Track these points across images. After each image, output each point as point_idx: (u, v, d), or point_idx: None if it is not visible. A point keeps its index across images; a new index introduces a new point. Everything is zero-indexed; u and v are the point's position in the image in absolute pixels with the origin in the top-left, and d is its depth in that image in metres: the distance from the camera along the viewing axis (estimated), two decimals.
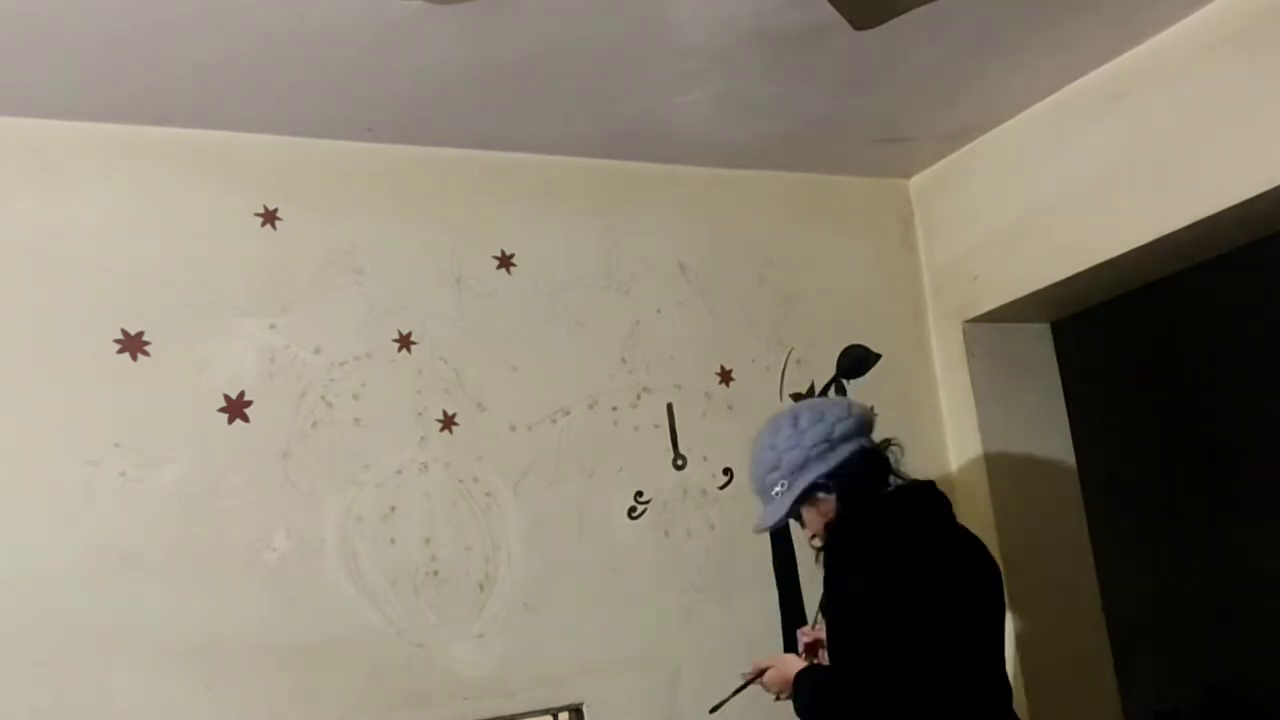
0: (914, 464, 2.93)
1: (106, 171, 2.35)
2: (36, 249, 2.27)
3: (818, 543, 2.27)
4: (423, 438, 2.50)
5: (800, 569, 2.73)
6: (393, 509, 2.44)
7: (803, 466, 2.21)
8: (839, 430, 2.22)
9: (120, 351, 2.29)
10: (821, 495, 2.22)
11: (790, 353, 2.90)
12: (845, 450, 2.21)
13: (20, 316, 2.24)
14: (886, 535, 2.14)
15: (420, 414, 2.50)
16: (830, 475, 2.20)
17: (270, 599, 2.31)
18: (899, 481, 2.25)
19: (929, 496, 2.25)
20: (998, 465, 2.96)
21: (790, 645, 2.54)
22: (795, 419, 2.25)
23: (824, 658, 2.28)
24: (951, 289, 3.05)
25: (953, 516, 2.25)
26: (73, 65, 2.14)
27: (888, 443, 2.27)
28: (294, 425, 2.39)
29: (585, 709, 2.53)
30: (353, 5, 2.05)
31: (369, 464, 2.44)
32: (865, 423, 2.27)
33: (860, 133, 2.85)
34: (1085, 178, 2.70)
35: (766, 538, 2.74)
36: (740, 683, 2.30)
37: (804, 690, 2.18)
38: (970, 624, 2.08)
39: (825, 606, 2.25)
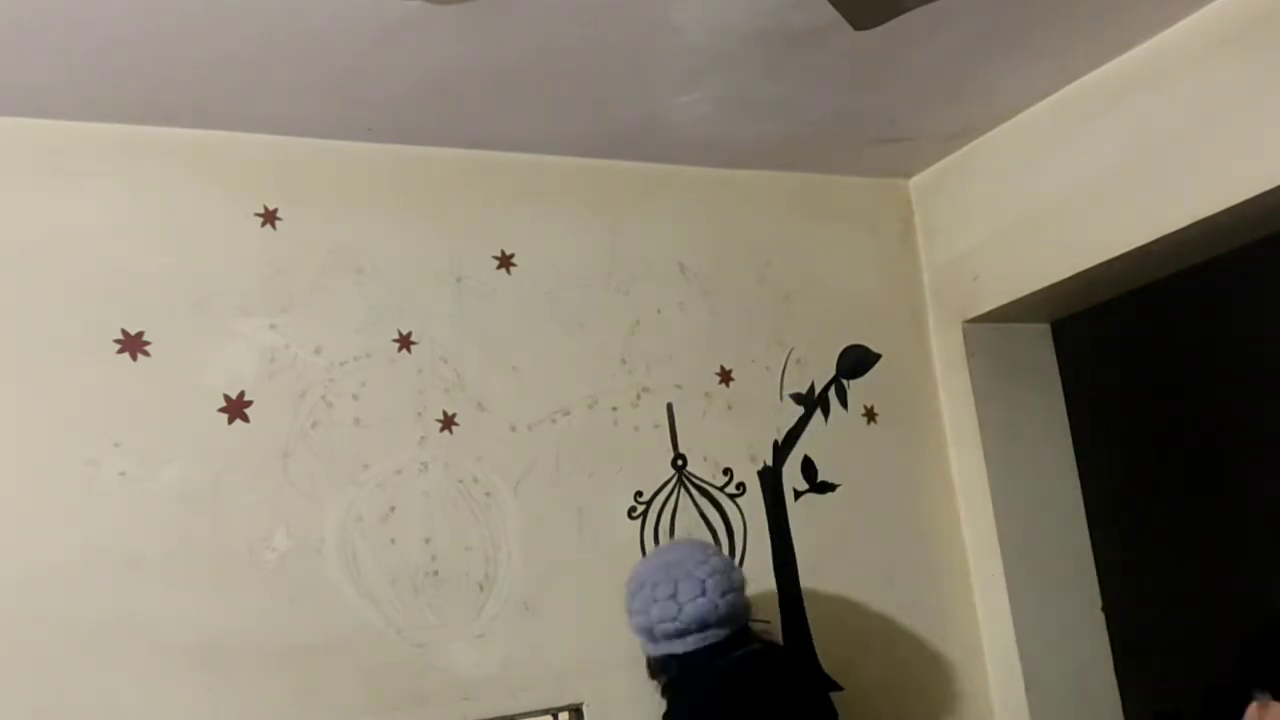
0: (915, 463, 2.98)
1: (106, 171, 2.35)
2: (36, 249, 2.27)
3: None
4: (423, 438, 2.50)
5: None
6: (393, 509, 2.44)
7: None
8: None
9: (120, 351, 2.29)
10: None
11: (790, 353, 2.90)
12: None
13: (20, 316, 2.23)
14: None
15: (420, 414, 2.50)
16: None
17: (270, 599, 2.31)
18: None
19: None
20: (998, 465, 2.96)
21: None
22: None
23: None
24: (951, 289, 3.05)
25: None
26: (73, 65, 2.14)
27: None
28: (294, 425, 2.39)
29: (585, 709, 2.53)
30: (353, 5, 2.05)
31: (369, 464, 2.44)
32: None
33: (860, 133, 2.85)
34: (1085, 178, 2.69)
35: (767, 536, 2.76)
36: None
37: None
38: None
39: None
